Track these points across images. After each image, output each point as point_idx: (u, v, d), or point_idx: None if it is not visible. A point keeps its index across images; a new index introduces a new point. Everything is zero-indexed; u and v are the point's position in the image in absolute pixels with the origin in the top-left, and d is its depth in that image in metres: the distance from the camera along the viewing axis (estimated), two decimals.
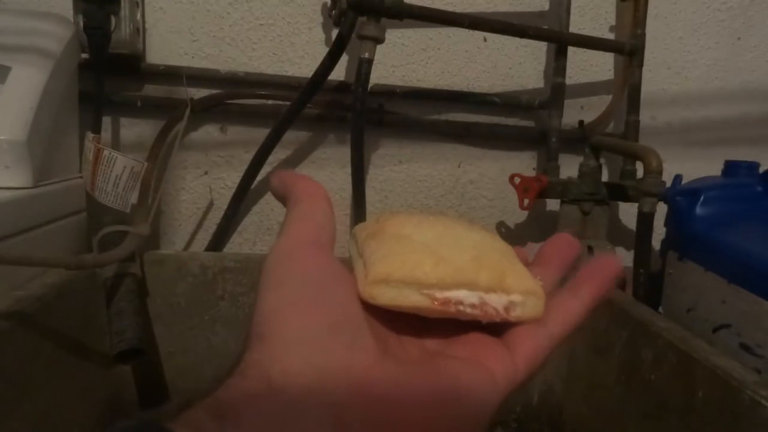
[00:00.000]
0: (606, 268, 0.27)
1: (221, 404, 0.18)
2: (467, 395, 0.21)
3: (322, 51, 0.80)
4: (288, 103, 0.78)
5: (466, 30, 0.77)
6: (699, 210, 0.67)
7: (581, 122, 0.87)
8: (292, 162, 0.86)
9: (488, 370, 0.22)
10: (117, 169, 0.63)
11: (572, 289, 0.27)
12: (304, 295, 0.21)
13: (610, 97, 0.89)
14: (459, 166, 0.90)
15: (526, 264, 0.27)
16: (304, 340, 0.20)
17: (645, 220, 0.70)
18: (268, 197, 0.87)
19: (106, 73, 0.74)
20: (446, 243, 0.25)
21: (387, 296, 0.23)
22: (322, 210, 0.24)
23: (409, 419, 0.20)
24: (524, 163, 0.91)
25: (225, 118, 0.84)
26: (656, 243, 0.75)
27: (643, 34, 0.81)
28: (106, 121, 0.80)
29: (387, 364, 0.21)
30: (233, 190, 0.83)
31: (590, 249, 0.75)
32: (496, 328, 0.25)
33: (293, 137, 0.84)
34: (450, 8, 0.81)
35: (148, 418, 0.18)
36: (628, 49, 0.81)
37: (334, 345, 0.20)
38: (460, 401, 0.21)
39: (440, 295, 0.23)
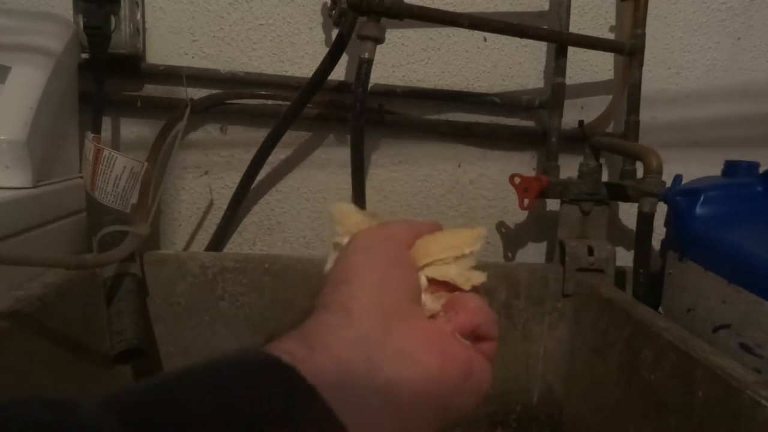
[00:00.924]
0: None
1: (308, 335, 0.23)
2: (480, 387, 0.27)
3: (322, 51, 0.80)
4: (288, 103, 0.78)
5: (466, 30, 0.77)
6: (699, 210, 0.67)
7: (581, 122, 0.87)
8: (292, 162, 0.86)
9: (487, 375, 0.28)
10: (117, 169, 0.63)
11: None
12: (382, 262, 0.27)
13: (610, 97, 0.89)
14: (459, 166, 0.90)
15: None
16: (378, 289, 0.25)
17: (645, 220, 0.70)
18: (268, 197, 0.87)
19: (106, 73, 0.74)
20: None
21: None
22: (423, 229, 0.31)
23: (451, 368, 0.25)
24: (524, 163, 0.91)
25: (225, 118, 0.84)
26: (656, 243, 0.75)
27: (643, 34, 0.81)
28: (106, 121, 0.80)
29: (437, 325, 0.27)
30: (233, 190, 0.83)
31: (590, 249, 0.75)
32: None
33: (293, 137, 0.84)
34: (450, 8, 0.81)
35: (245, 350, 0.21)
36: (628, 49, 0.81)
37: (399, 298, 0.26)
38: (478, 391, 0.27)
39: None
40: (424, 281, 0.29)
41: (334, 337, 0.23)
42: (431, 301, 0.28)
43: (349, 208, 0.32)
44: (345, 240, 0.31)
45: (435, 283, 0.29)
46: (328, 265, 0.31)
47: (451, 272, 0.29)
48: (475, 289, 0.29)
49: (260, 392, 0.19)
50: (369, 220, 0.32)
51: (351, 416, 0.20)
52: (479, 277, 0.30)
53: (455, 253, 0.30)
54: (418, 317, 0.26)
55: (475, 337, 0.28)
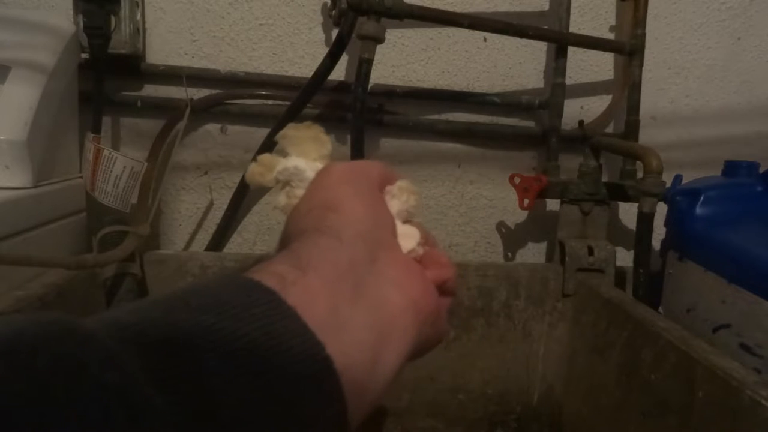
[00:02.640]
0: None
1: (300, 256, 0.23)
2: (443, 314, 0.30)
3: (322, 51, 0.80)
4: (288, 103, 0.78)
5: (466, 30, 0.77)
6: (699, 210, 0.67)
7: (581, 122, 0.87)
8: None
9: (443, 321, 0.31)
10: (117, 169, 0.63)
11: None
12: (367, 196, 0.28)
13: (610, 97, 0.89)
14: (459, 166, 0.90)
15: None
16: (366, 220, 0.26)
17: (645, 220, 0.70)
18: (269, 197, 0.87)
19: (106, 73, 0.74)
20: None
21: None
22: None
23: (430, 300, 0.27)
24: (524, 163, 0.91)
25: (225, 118, 0.84)
26: (656, 243, 0.75)
27: (643, 34, 0.81)
28: (106, 121, 0.80)
29: (417, 263, 0.29)
30: (233, 190, 0.83)
31: (590, 249, 0.75)
32: None
33: None
34: (450, 8, 0.81)
35: (233, 273, 0.21)
36: (628, 49, 0.81)
37: (385, 230, 0.28)
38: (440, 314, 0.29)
39: None
40: (400, 226, 0.30)
41: (326, 259, 0.23)
42: (413, 241, 0.30)
43: (299, 131, 0.33)
44: (297, 162, 0.31)
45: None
46: (282, 199, 0.32)
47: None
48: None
49: (245, 315, 0.19)
50: (320, 146, 0.33)
51: (335, 335, 0.21)
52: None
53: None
54: (400, 251, 0.28)
55: (441, 291, 0.30)
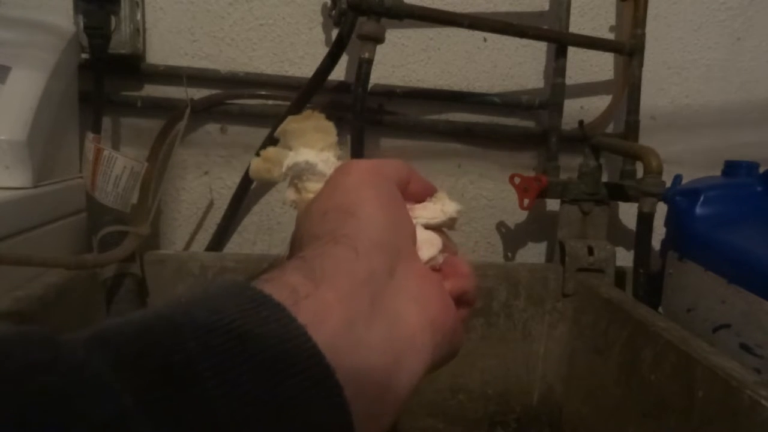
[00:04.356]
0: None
1: (314, 267, 0.21)
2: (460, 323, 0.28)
3: (322, 51, 0.80)
4: (288, 103, 0.78)
5: (466, 30, 0.77)
6: (699, 210, 0.67)
7: (581, 122, 0.87)
8: None
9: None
10: (117, 169, 0.63)
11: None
12: (387, 200, 0.27)
13: (610, 97, 0.89)
14: (459, 166, 0.90)
15: None
16: (385, 228, 0.25)
17: (645, 220, 0.70)
18: (269, 197, 0.87)
19: (106, 73, 0.74)
20: None
21: None
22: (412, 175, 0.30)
23: (447, 314, 0.26)
24: (524, 163, 0.91)
25: (225, 118, 0.84)
26: (656, 243, 0.75)
27: (643, 34, 0.81)
28: (106, 121, 0.80)
29: (432, 272, 0.28)
30: (233, 190, 0.83)
31: (590, 249, 0.75)
32: None
33: None
34: (450, 8, 0.81)
35: (243, 282, 0.20)
36: (628, 49, 0.81)
37: (405, 239, 0.26)
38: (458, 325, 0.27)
39: None
40: (421, 231, 0.29)
41: (341, 271, 0.22)
42: (435, 248, 0.28)
43: (300, 122, 0.31)
44: (306, 156, 0.30)
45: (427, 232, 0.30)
46: (291, 194, 0.31)
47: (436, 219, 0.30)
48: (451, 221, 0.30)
49: (254, 335, 0.18)
50: (325, 135, 0.31)
51: (347, 356, 0.19)
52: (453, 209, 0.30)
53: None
54: (419, 262, 0.27)
55: (459, 302, 0.28)
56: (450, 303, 0.27)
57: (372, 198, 0.26)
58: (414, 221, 0.29)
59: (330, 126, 0.31)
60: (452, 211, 0.30)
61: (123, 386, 0.14)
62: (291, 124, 0.30)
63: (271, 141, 0.80)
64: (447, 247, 0.29)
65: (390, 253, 0.24)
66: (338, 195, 0.26)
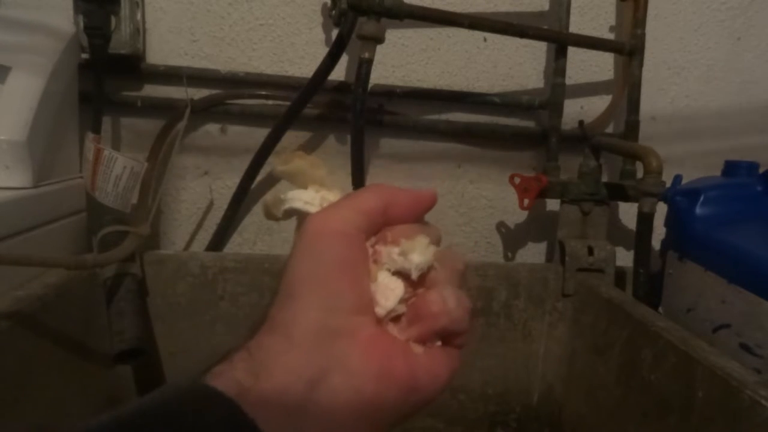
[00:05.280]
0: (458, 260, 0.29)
1: (255, 359, 0.23)
2: (437, 383, 0.27)
3: (322, 51, 0.80)
4: (288, 103, 0.78)
5: (466, 30, 0.77)
6: (699, 210, 0.67)
7: (581, 122, 0.87)
8: None
9: (453, 367, 0.28)
10: (117, 169, 0.63)
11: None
12: (328, 272, 0.26)
13: (610, 97, 0.89)
14: (459, 166, 0.90)
15: None
16: (324, 305, 0.25)
17: (645, 220, 0.70)
18: (268, 197, 0.87)
19: (106, 73, 0.74)
20: None
21: None
22: (372, 198, 0.28)
23: (391, 385, 0.25)
24: (524, 163, 0.91)
25: (225, 118, 0.84)
26: (656, 243, 0.75)
27: (643, 34, 0.81)
28: (106, 121, 0.80)
29: (385, 334, 0.26)
30: (233, 190, 0.83)
31: (590, 249, 0.75)
32: None
33: (293, 137, 0.84)
34: (450, 8, 0.81)
35: (196, 380, 0.22)
36: (628, 49, 0.81)
37: (346, 314, 0.25)
38: (431, 384, 0.26)
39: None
40: (386, 277, 0.27)
41: (277, 363, 0.23)
42: (392, 300, 0.26)
43: (288, 165, 0.32)
44: (297, 204, 0.30)
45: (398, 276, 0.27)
46: (296, 231, 0.31)
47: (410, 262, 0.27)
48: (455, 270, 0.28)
49: (207, 428, 0.20)
50: (314, 173, 0.32)
51: None
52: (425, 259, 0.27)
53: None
54: (364, 332, 0.25)
55: (443, 337, 0.27)
56: (394, 373, 0.25)
57: (309, 275, 0.25)
58: (375, 268, 0.27)
59: (316, 162, 0.32)
60: (417, 263, 0.27)
61: None
62: (278, 168, 0.32)
63: (269, 143, 0.80)
64: (423, 280, 0.27)
65: (326, 336, 0.24)
66: (287, 269, 0.26)
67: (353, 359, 0.24)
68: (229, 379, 0.22)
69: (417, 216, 0.29)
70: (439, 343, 0.27)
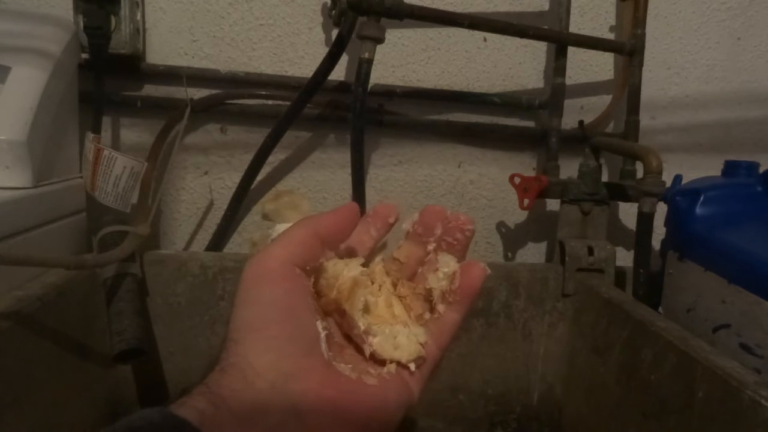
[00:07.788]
0: (474, 278, 0.31)
1: (213, 392, 0.24)
2: (393, 411, 0.28)
3: (322, 51, 0.80)
4: (288, 103, 0.78)
5: (466, 30, 0.77)
6: (699, 210, 0.67)
7: (581, 122, 0.87)
8: (292, 162, 0.86)
9: (409, 392, 0.29)
10: (117, 169, 0.63)
11: (448, 301, 0.31)
12: (272, 313, 0.26)
13: (610, 97, 0.89)
14: (459, 166, 0.90)
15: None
16: (270, 349, 0.26)
17: (645, 220, 0.70)
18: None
19: (106, 73, 0.74)
20: None
21: None
22: (309, 232, 0.29)
23: (346, 422, 0.26)
24: (524, 163, 0.91)
25: (225, 118, 0.84)
26: (656, 243, 0.75)
27: (643, 34, 0.81)
28: (106, 121, 0.80)
29: (335, 373, 0.27)
30: (233, 191, 0.83)
31: (590, 249, 0.75)
32: None
33: (293, 137, 0.84)
34: (450, 8, 0.81)
35: (163, 409, 0.23)
36: (628, 49, 0.81)
37: (295, 354, 0.26)
38: (386, 414, 0.27)
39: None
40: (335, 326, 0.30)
41: (234, 398, 0.24)
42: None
43: (276, 203, 0.34)
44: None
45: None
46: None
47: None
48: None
49: None
50: (298, 209, 0.34)
51: None
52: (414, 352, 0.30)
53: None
54: (315, 375, 0.26)
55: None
56: (349, 408, 0.26)
57: (252, 323, 0.26)
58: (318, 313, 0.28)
59: (301, 199, 0.34)
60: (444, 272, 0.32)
61: None
62: (266, 206, 0.34)
63: (271, 141, 0.80)
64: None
65: (278, 376, 0.25)
66: (232, 316, 0.27)
67: (307, 401, 0.25)
68: (191, 408, 0.23)
69: (349, 227, 0.31)
70: (393, 368, 0.29)
